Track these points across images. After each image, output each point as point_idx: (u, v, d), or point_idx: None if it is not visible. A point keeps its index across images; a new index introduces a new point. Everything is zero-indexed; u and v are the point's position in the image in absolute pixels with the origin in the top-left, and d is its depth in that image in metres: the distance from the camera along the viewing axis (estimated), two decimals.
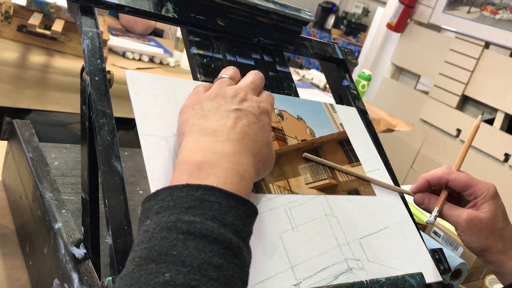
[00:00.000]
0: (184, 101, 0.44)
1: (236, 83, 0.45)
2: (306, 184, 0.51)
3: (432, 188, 0.57)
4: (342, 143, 0.58)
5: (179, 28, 0.62)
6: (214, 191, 0.34)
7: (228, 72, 0.46)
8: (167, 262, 0.29)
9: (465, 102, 2.66)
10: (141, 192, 0.66)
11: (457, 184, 0.55)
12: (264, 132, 0.42)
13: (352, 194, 0.53)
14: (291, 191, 0.49)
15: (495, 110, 2.48)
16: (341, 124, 0.60)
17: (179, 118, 0.43)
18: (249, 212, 0.36)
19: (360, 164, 0.57)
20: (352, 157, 0.57)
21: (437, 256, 0.56)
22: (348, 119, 0.61)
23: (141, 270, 0.29)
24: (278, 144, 0.52)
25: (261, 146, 0.41)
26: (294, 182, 0.50)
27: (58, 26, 1.39)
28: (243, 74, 0.56)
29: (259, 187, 0.46)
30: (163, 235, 0.31)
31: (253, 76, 0.46)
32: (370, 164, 0.58)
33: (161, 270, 0.29)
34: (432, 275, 0.52)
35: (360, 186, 0.54)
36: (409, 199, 0.58)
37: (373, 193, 0.55)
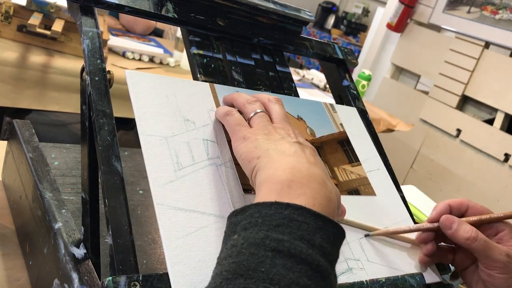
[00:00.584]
0: (231, 136, 0.43)
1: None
2: None
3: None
4: (342, 143, 0.58)
5: (179, 28, 0.62)
6: (303, 210, 0.34)
7: (257, 106, 0.45)
8: (255, 278, 0.29)
9: (465, 102, 2.66)
10: (141, 192, 0.66)
11: (477, 210, 0.52)
12: (322, 164, 0.42)
13: (353, 194, 0.53)
14: None
15: (495, 110, 2.48)
16: (341, 124, 0.60)
17: (240, 150, 0.41)
18: (337, 235, 0.35)
19: (360, 164, 0.57)
20: (352, 157, 0.57)
21: None
22: (348, 119, 0.61)
23: (229, 284, 0.29)
24: None
25: (328, 181, 0.40)
26: None
27: (58, 26, 1.39)
28: (243, 74, 0.56)
29: None
30: (252, 251, 0.31)
31: (277, 106, 0.46)
32: (370, 164, 0.58)
33: (249, 286, 0.29)
34: (432, 275, 0.52)
35: (360, 186, 0.54)
36: (409, 199, 0.58)
37: (373, 193, 0.55)
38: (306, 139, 0.44)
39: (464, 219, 0.51)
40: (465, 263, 0.53)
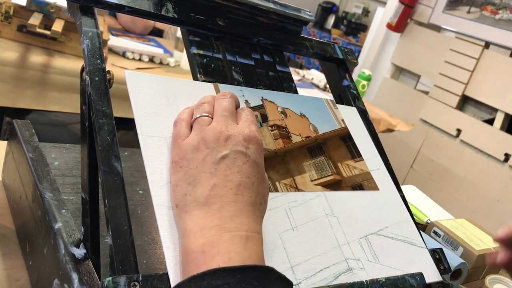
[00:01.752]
0: (171, 153, 0.42)
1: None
2: (312, 181, 0.51)
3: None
4: (345, 139, 0.58)
5: (179, 28, 0.62)
6: (219, 273, 0.33)
7: (203, 108, 0.43)
8: None
9: (465, 102, 2.66)
10: (141, 192, 0.66)
11: None
12: (257, 168, 0.40)
13: (356, 189, 0.54)
14: (297, 189, 0.49)
15: (495, 110, 2.48)
16: (342, 120, 0.60)
17: (171, 178, 0.40)
18: (264, 274, 0.34)
19: (363, 159, 0.57)
20: (354, 152, 0.58)
21: (437, 256, 0.56)
22: (348, 119, 0.61)
23: None
24: (283, 142, 0.52)
25: (258, 186, 0.40)
26: (299, 179, 0.50)
27: (58, 26, 1.39)
28: (243, 74, 0.56)
29: None
30: None
31: (222, 101, 0.44)
32: (371, 164, 0.58)
33: None
34: (432, 275, 0.52)
35: (364, 181, 0.55)
36: (409, 199, 0.58)
37: (376, 188, 0.55)
38: (249, 124, 0.42)
39: None
40: None
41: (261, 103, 0.54)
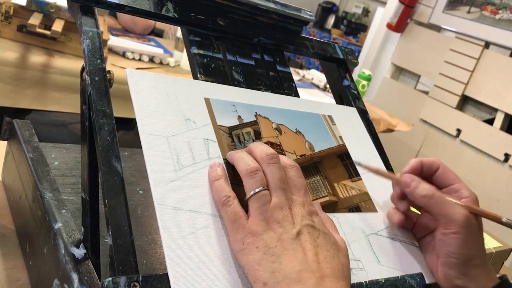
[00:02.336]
0: (228, 230, 0.40)
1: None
2: None
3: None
4: (342, 157, 0.56)
5: (179, 28, 0.62)
6: None
7: (257, 180, 0.41)
8: None
9: (465, 102, 2.66)
10: (141, 192, 0.66)
11: (448, 175, 0.51)
12: (329, 239, 0.41)
13: (353, 211, 0.52)
14: None
15: (495, 110, 2.48)
16: (340, 137, 0.58)
17: (246, 259, 0.39)
18: None
19: (361, 179, 0.55)
20: (352, 172, 0.55)
21: None
22: (348, 119, 0.61)
23: None
24: None
25: (338, 257, 0.40)
26: None
27: (58, 26, 1.39)
28: (243, 74, 0.56)
29: None
30: None
31: (274, 170, 0.42)
32: (371, 164, 0.58)
33: None
34: (432, 275, 0.52)
35: (361, 202, 0.53)
36: None
37: (374, 209, 0.53)
38: (307, 197, 0.43)
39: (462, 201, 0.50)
40: (424, 230, 0.53)
41: (254, 119, 0.52)
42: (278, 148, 0.51)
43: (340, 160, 0.55)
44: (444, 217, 0.48)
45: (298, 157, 0.52)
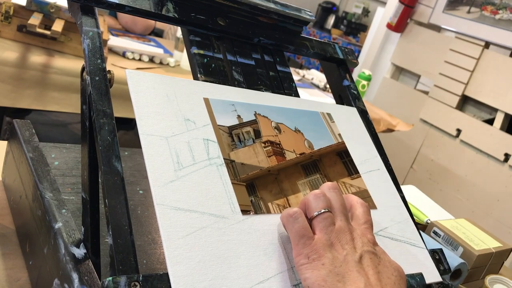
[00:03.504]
0: (294, 243, 0.42)
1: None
2: None
3: None
4: (341, 155, 0.56)
5: (179, 28, 0.62)
6: None
7: (322, 202, 0.43)
8: None
9: (465, 102, 2.66)
10: (141, 192, 0.66)
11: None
12: (390, 264, 0.43)
13: None
14: None
15: (495, 110, 2.48)
16: (339, 135, 0.58)
17: (306, 275, 0.40)
18: None
19: (360, 176, 0.55)
20: (351, 169, 0.55)
21: (437, 256, 0.56)
22: (348, 119, 0.61)
23: None
24: (276, 159, 0.50)
25: (396, 282, 0.41)
26: (293, 199, 0.48)
27: (58, 26, 1.39)
28: (243, 74, 0.56)
29: (257, 207, 0.45)
30: None
31: (336, 196, 0.45)
32: (370, 164, 0.58)
33: None
34: (432, 275, 0.52)
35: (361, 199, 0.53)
36: (409, 199, 0.57)
37: (374, 207, 0.54)
38: (366, 223, 0.44)
39: None
40: None
41: (254, 118, 0.52)
42: (277, 146, 0.51)
43: (339, 158, 0.55)
44: None
45: (298, 155, 0.52)
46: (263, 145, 0.50)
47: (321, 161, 0.54)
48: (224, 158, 0.46)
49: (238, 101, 0.52)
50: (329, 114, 0.60)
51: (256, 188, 0.46)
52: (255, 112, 0.52)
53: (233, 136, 0.49)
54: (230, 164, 0.45)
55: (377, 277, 0.41)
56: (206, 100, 0.49)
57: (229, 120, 0.49)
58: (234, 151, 0.47)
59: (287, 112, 0.55)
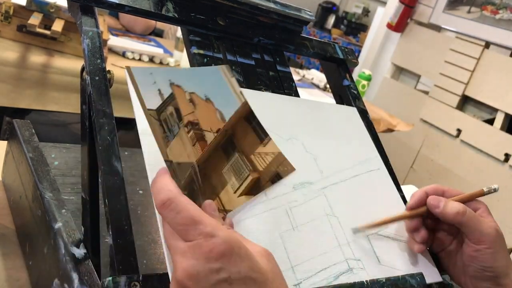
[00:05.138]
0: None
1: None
2: (235, 192, 0.43)
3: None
4: (248, 119, 0.48)
5: (179, 28, 0.62)
6: None
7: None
8: None
9: (465, 102, 2.66)
10: (141, 192, 0.66)
11: (452, 193, 0.53)
12: (245, 281, 0.33)
13: (275, 181, 0.47)
14: (225, 210, 0.42)
15: (495, 110, 2.48)
16: (241, 92, 0.49)
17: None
18: None
19: (270, 139, 0.49)
20: (261, 133, 0.48)
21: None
22: (348, 119, 0.61)
23: None
24: (200, 146, 0.43)
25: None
26: (224, 196, 0.42)
27: (58, 26, 1.39)
28: (243, 73, 0.56)
29: None
30: None
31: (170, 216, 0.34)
32: (370, 164, 0.58)
33: None
34: (432, 275, 0.52)
35: (279, 166, 0.48)
36: (409, 199, 0.57)
37: (292, 169, 0.49)
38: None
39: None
40: (445, 243, 0.54)
41: (171, 90, 0.44)
42: (197, 128, 0.44)
43: (249, 124, 0.48)
44: (476, 233, 0.49)
45: (215, 134, 0.45)
46: (185, 129, 0.43)
47: (235, 135, 0.46)
48: (164, 160, 0.40)
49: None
50: (227, 67, 0.51)
51: (199, 195, 0.41)
52: (170, 81, 0.45)
53: (162, 123, 0.42)
54: (170, 167, 0.39)
55: None
56: (129, 69, 0.42)
57: (154, 99, 0.42)
58: (169, 147, 0.41)
59: (190, 74, 0.47)
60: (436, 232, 0.54)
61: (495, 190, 0.53)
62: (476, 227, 0.49)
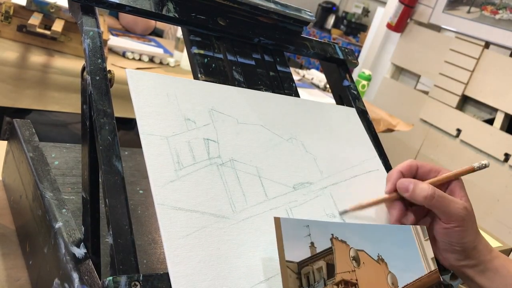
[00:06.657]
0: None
1: None
2: None
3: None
4: None
5: (179, 28, 0.62)
6: None
7: None
8: None
9: (465, 102, 2.66)
10: (141, 192, 0.66)
11: (426, 168, 0.53)
12: None
13: None
14: None
15: (495, 110, 2.48)
16: (432, 259, 0.46)
17: None
18: None
19: None
20: None
21: None
22: (348, 119, 0.61)
23: None
24: None
25: None
26: None
27: (58, 26, 1.39)
28: (244, 74, 0.56)
29: None
30: None
31: None
32: (370, 165, 0.58)
33: None
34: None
35: None
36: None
37: None
38: None
39: (426, 181, 0.52)
40: (418, 218, 0.54)
41: (329, 244, 0.40)
42: None
43: None
44: (445, 214, 0.50)
45: None
46: (335, 287, 0.40)
47: None
48: None
49: (311, 218, 0.45)
50: (423, 228, 0.48)
51: None
52: (332, 235, 0.42)
53: (302, 277, 0.38)
54: None
55: None
56: (277, 220, 0.39)
57: (299, 251, 0.39)
58: None
59: (372, 232, 0.44)
60: (411, 206, 0.55)
61: (485, 166, 0.53)
62: (444, 209, 0.50)
